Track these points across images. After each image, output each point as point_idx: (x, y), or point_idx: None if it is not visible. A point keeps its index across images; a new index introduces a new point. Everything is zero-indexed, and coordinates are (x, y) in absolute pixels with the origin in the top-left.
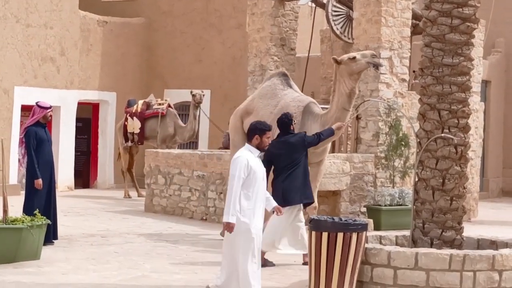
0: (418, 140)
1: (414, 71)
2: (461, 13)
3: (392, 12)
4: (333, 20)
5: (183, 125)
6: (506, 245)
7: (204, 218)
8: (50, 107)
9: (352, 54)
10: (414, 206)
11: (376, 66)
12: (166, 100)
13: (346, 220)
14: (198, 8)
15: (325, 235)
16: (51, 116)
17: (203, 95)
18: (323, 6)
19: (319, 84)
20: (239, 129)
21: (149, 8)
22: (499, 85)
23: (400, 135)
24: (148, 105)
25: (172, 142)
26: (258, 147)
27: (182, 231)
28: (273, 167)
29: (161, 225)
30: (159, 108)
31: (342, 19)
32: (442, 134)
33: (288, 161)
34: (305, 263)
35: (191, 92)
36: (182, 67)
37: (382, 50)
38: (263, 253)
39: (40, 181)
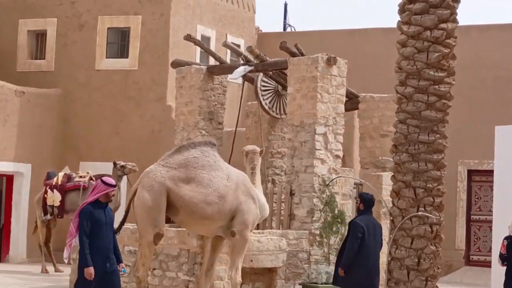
0: (391, 218)
1: None
2: (437, 90)
3: (328, 89)
4: (262, 95)
5: None
6: None
7: None
8: (115, 186)
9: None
10: (387, 287)
11: None
12: (88, 172)
13: None
14: (116, 80)
15: None
16: (113, 195)
17: (135, 165)
18: (252, 80)
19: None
20: (162, 205)
21: (65, 79)
22: None
23: (336, 212)
24: (69, 178)
25: None
26: None
27: None
28: None
29: None
30: (80, 181)
31: (271, 94)
32: (419, 213)
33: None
34: None
35: (115, 162)
36: (99, 139)
37: (317, 125)
38: None
39: (91, 269)
